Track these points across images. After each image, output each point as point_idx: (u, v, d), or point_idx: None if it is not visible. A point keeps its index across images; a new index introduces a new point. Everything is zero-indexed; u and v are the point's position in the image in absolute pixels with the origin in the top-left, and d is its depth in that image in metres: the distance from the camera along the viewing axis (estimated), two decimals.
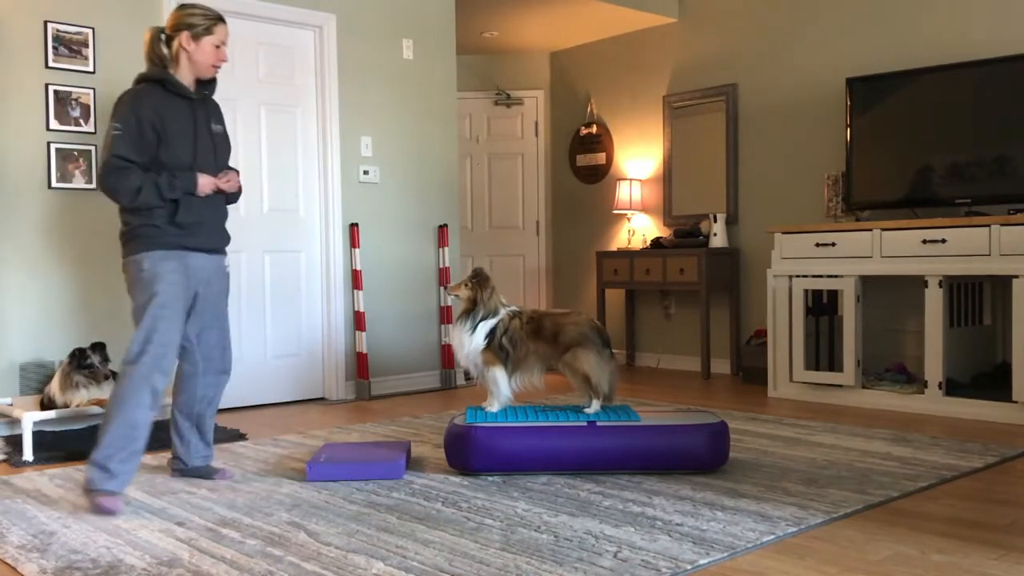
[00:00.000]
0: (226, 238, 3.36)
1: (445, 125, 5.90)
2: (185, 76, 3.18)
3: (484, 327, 3.48)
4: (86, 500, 3.01)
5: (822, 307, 5.11)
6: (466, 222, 7.58)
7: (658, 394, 5.40)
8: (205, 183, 3.14)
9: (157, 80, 3.14)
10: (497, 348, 3.47)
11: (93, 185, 4.46)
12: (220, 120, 3.35)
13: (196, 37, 3.15)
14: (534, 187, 7.56)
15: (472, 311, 3.50)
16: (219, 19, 3.21)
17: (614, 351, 3.63)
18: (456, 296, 3.57)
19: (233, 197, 3.36)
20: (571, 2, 6.13)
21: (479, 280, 3.53)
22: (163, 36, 3.17)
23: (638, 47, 6.87)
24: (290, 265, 5.28)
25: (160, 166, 3.08)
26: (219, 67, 3.25)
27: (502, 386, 3.47)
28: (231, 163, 3.49)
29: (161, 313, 3.07)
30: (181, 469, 3.40)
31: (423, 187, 5.79)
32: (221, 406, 4.99)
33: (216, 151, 3.27)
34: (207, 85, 3.28)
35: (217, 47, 3.18)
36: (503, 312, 3.52)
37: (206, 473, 3.39)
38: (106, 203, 4.49)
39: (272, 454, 3.82)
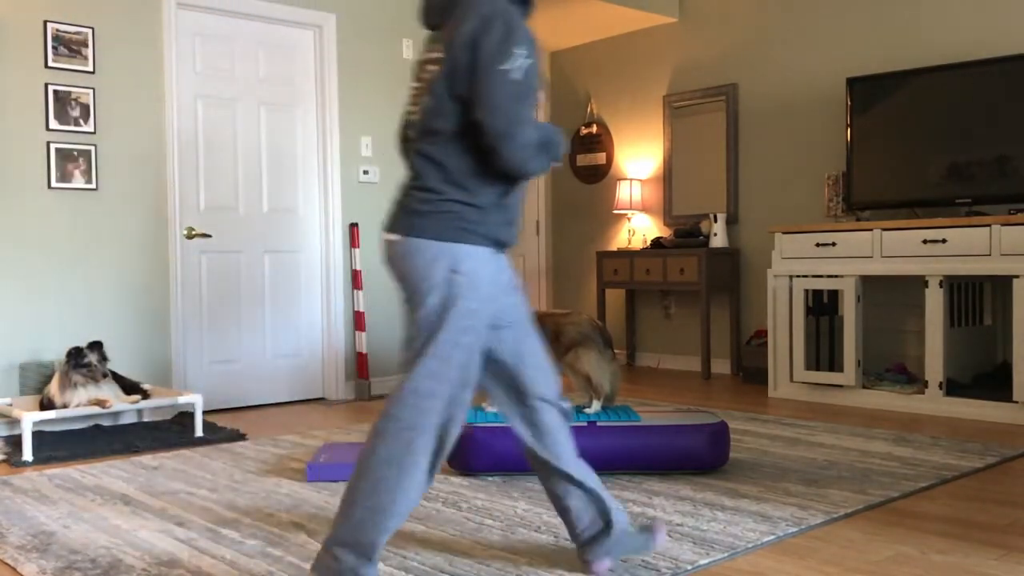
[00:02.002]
0: None
1: None
2: None
3: None
4: None
5: (822, 307, 5.11)
6: None
7: (658, 394, 5.40)
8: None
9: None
10: None
11: (92, 185, 4.46)
12: None
13: None
14: (534, 187, 7.56)
15: None
16: None
17: (615, 351, 3.63)
18: None
19: None
20: (571, 2, 6.13)
21: None
22: None
23: (638, 47, 6.87)
24: (290, 265, 5.28)
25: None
26: None
27: None
28: None
29: (467, 341, 2.10)
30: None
31: None
32: (222, 406, 5.00)
33: None
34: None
35: None
36: None
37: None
38: (106, 202, 4.50)
39: (272, 454, 3.82)
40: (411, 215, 2.11)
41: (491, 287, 2.14)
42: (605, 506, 2.28)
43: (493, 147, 2.03)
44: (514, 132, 2.01)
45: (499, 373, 2.25)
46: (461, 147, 2.09)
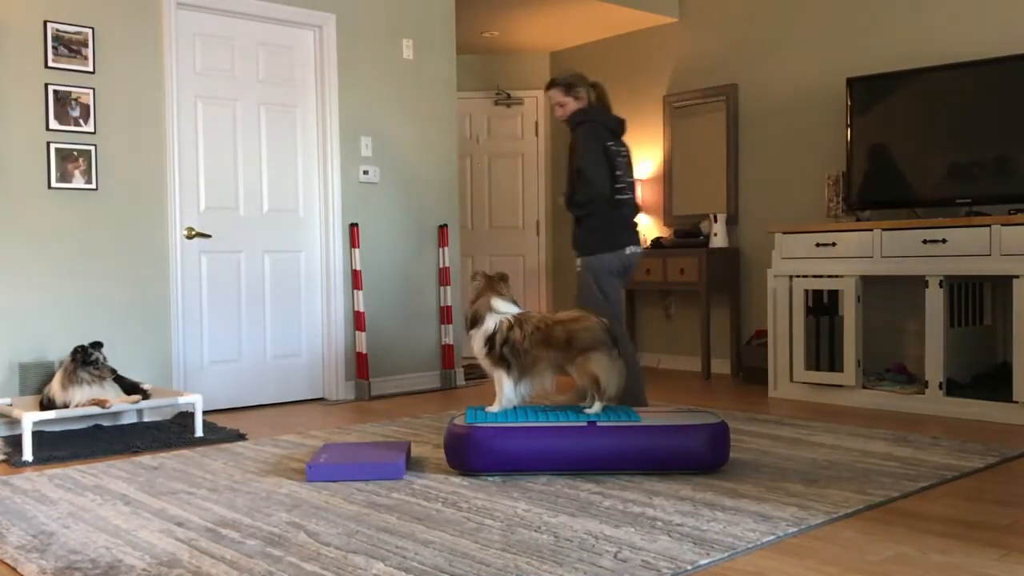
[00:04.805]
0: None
1: (445, 125, 5.90)
2: None
3: (477, 334, 3.53)
4: None
5: (822, 307, 5.11)
6: (466, 222, 7.57)
7: (658, 394, 5.40)
8: None
9: None
10: (498, 358, 3.48)
11: (92, 185, 4.46)
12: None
13: None
14: (534, 187, 7.56)
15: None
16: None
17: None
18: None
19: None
20: (571, 2, 6.13)
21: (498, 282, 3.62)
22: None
23: (638, 47, 6.87)
24: (290, 265, 5.28)
25: None
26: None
27: (506, 390, 3.48)
28: None
29: None
30: None
31: (423, 187, 5.78)
32: (221, 406, 5.00)
33: None
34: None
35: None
36: (490, 323, 3.52)
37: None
38: (106, 202, 4.51)
39: (272, 454, 3.82)
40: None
41: None
42: None
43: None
44: None
45: None
46: None
